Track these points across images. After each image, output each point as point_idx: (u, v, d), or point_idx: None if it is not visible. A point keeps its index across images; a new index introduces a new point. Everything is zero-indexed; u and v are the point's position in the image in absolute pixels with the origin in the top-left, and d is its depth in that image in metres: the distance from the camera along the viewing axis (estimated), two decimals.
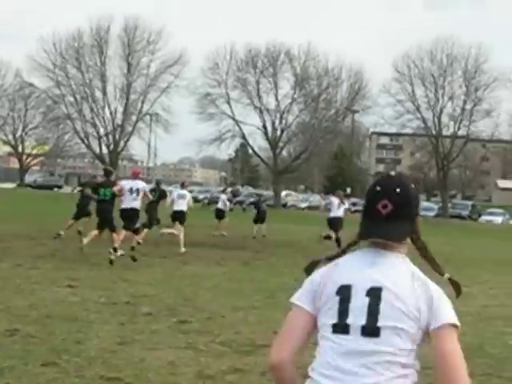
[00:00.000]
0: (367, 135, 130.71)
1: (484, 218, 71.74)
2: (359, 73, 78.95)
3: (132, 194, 17.45)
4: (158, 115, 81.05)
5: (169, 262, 17.03)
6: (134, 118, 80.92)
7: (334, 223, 24.26)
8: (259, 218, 30.27)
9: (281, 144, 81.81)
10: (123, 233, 17.21)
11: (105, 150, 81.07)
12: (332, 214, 24.73)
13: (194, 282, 13.59)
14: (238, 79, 78.96)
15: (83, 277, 13.26)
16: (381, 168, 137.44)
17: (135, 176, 18.72)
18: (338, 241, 23.63)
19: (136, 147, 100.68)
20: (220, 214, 30.08)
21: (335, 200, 25.32)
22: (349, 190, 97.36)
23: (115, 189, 17.32)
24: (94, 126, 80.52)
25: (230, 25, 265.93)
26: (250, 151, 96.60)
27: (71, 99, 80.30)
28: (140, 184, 18.05)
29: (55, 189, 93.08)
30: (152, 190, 21.85)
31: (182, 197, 22.40)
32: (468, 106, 75.88)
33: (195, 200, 75.87)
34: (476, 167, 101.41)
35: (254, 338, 8.70)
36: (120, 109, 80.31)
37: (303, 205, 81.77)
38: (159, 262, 17.06)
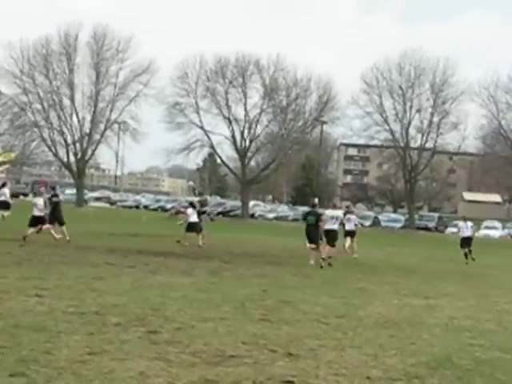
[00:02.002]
0: (335, 146, 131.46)
1: (450, 229, 72.20)
2: (328, 84, 79.37)
3: None
4: (127, 124, 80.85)
5: (137, 272, 16.95)
6: (102, 126, 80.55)
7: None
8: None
9: (249, 154, 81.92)
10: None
11: (72, 159, 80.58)
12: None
13: (163, 291, 13.53)
14: (208, 89, 79.02)
15: (51, 286, 13.16)
16: (348, 179, 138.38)
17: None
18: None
19: (104, 156, 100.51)
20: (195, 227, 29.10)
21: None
22: (316, 201, 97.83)
23: None
24: (62, 133, 79.99)
25: (200, 35, 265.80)
26: (219, 161, 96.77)
27: (38, 106, 79.75)
28: None
29: (21, 197, 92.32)
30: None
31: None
32: (435, 119, 76.69)
33: (163, 209, 76.11)
34: (443, 179, 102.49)
35: (223, 349, 8.69)
36: (88, 117, 79.92)
37: (271, 215, 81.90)
38: (127, 271, 16.98)
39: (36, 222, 25.06)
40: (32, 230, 24.47)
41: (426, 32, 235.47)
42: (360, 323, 11.40)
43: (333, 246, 23.75)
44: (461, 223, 32.72)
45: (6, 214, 33.06)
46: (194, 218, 29.13)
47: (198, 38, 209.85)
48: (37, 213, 25.28)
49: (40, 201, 25.83)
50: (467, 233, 31.15)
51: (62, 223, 26.07)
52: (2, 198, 34.40)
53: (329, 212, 24.90)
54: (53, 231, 25.27)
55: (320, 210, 25.60)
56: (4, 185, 35.20)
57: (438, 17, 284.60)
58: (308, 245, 23.88)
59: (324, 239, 23.77)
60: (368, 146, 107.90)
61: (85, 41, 79.14)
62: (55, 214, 26.30)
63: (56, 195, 27.52)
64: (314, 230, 23.81)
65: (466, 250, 30.40)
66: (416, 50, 75.77)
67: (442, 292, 17.10)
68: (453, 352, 9.44)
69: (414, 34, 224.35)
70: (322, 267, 21.88)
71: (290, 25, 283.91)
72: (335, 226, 23.96)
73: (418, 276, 21.55)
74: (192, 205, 30.78)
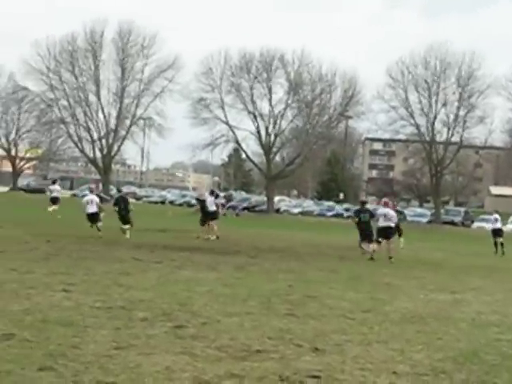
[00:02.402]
0: (360, 141, 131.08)
1: (476, 224, 71.71)
2: (353, 79, 79.08)
3: None
4: (152, 119, 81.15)
5: (163, 267, 17.01)
6: (127, 122, 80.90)
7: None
8: None
9: (274, 149, 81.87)
10: None
11: (98, 154, 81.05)
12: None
13: (189, 286, 13.57)
14: (232, 84, 79.02)
15: (78, 281, 13.24)
16: (374, 174, 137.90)
17: None
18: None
19: (129, 151, 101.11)
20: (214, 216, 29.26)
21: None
22: (342, 196, 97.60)
23: None
24: (88, 129, 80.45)
25: (225, 30, 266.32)
26: (244, 156, 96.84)
27: (65, 103, 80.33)
28: None
29: (48, 193, 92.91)
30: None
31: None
32: (461, 113, 76.15)
33: (188, 205, 76.28)
34: (469, 173, 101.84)
35: (249, 344, 8.70)
36: (114, 113, 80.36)
37: (296, 210, 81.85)
38: (154, 266, 17.05)
39: (95, 218, 26.81)
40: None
41: (452, 25, 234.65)
42: (386, 318, 11.37)
43: (379, 243, 23.81)
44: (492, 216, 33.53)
45: (52, 208, 35.65)
46: (212, 208, 29.22)
47: (223, 34, 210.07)
48: (93, 210, 26.88)
49: (96, 198, 27.63)
50: (496, 225, 32.13)
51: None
52: (54, 194, 37.65)
53: (381, 210, 24.72)
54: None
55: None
56: (55, 182, 37.61)
57: (463, 10, 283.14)
58: (362, 243, 25.29)
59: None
60: (393, 141, 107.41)
61: (110, 37, 79.67)
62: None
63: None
64: (369, 227, 25.21)
65: (498, 240, 31.94)
66: (441, 44, 75.35)
67: (468, 286, 17.01)
68: (480, 347, 9.40)
69: (440, 27, 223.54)
70: (372, 259, 22.99)
71: (315, 19, 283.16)
72: (388, 223, 23.89)
73: (445, 271, 21.44)
74: (212, 193, 30.82)
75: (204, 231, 29.16)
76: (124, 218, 26.48)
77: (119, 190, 34.41)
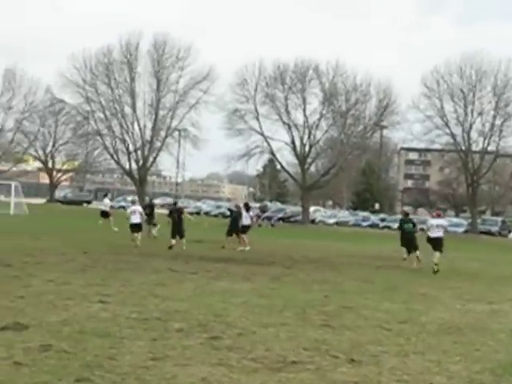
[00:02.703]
0: (396, 151, 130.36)
1: None
2: (388, 88, 78.67)
3: None
4: (187, 131, 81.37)
5: (199, 278, 17.07)
6: (162, 133, 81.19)
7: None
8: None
9: (309, 160, 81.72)
10: None
11: (134, 166, 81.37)
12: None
13: (224, 297, 13.60)
14: (267, 95, 79.05)
15: (114, 292, 13.33)
16: (409, 184, 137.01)
17: None
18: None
19: (165, 163, 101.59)
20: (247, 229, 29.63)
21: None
22: (377, 206, 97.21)
23: None
24: (124, 141, 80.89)
25: (259, 41, 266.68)
26: (279, 167, 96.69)
27: (101, 115, 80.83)
28: None
29: (84, 204, 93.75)
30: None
31: None
32: (498, 122, 75.37)
33: (223, 215, 76.42)
34: (506, 183, 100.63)
35: (285, 355, 8.69)
36: (149, 124, 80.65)
37: (331, 220, 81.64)
38: (189, 277, 17.11)
39: (138, 228, 28.05)
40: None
41: (487, 33, 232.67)
42: (423, 329, 11.30)
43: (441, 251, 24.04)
44: None
45: (101, 221, 36.49)
46: (247, 221, 29.61)
47: (257, 44, 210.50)
48: (136, 220, 28.11)
49: (140, 209, 29.32)
50: None
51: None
52: (103, 208, 38.42)
53: (434, 221, 24.93)
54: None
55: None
56: (106, 195, 38.46)
57: (499, 17, 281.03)
58: (405, 252, 25.96)
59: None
60: (429, 150, 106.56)
61: (145, 49, 79.99)
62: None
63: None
64: (412, 237, 25.64)
65: None
66: (477, 52, 74.72)
67: (505, 297, 16.83)
68: None
69: (475, 35, 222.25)
70: (437, 271, 22.96)
71: (349, 29, 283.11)
72: (440, 234, 24.23)
73: (481, 281, 21.25)
74: (247, 206, 31.14)
75: (230, 241, 29.57)
76: (178, 229, 27.23)
77: (151, 200, 38.38)
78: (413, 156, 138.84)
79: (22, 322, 9.71)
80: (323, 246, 36.18)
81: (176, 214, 27.75)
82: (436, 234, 24.09)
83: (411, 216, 31.37)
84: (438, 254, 23.64)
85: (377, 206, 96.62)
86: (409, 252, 25.74)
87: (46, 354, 8.06)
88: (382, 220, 76.71)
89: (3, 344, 8.42)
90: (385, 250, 29.07)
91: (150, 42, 79.45)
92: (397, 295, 15.89)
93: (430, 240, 24.11)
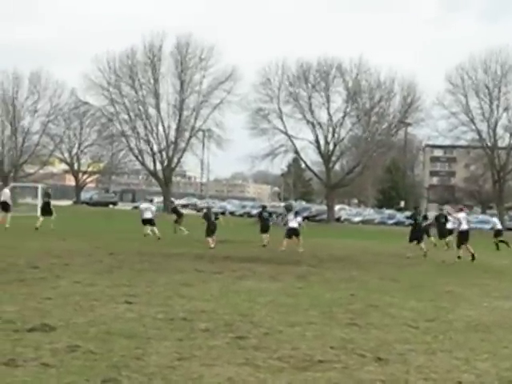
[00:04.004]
0: (420, 148, 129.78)
1: None
2: (412, 85, 78.38)
3: None
4: (211, 131, 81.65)
5: (224, 278, 17.07)
6: (187, 134, 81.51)
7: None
8: (264, 228, 31.07)
9: (333, 158, 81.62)
10: None
11: (159, 167, 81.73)
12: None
13: (250, 297, 13.59)
14: (290, 94, 79.05)
15: (140, 293, 13.36)
16: (435, 181, 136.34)
17: None
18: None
19: (189, 163, 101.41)
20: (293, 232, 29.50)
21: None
22: (403, 204, 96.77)
23: None
24: (148, 142, 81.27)
25: (282, 40, 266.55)
26: (303, 165, 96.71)
27: (125, 117, 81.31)
28: None
29: (110, 206, 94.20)
30: None
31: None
32: None
33: (249, 215, 76.44)
34: None
35: (312, 354, 8.66)
36: (173, 125, 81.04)
37: (357, 219, 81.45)
38: (215, 277, 17.12)
39: (149, 222, 32.48)
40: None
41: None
42: (450, 327, 11.23)
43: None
44: None
45: (149, 230, 33.52)
46: (293, 224, 29.67)
47: (280, 43, 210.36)
48: (148, 215, 32.75)
49: (152, 207, 34.41)
50: None
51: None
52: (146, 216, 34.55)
53: (463, 214, 28.33)
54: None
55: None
56: (151, 201, 38.24)
57: None
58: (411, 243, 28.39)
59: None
60: (454, 147, 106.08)
61: (169, 51, 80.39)
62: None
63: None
64: (422, 229, 29.29)
65: None
66: (502, 48, 74.28)
67: None
68: None
69: (500, 30, 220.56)
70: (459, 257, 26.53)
71: (372, 26, 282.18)
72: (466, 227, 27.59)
73: (508, 278, 21.09)
74: (288, 209, 32.02)
75: (264, 239, 30.48)
76: (212, 229, 28.55)
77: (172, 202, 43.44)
78: (438, 153, 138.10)
79: (50, 323, 9.76)
80: (349, 244, 36.09)
81: (212, 216, 29.39)
82: (466, 226, 27.14)
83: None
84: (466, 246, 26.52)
85: (402, 203, 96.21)
86: (418, 242, 28.19)
87: (73, 355, 8.09)
88: (408, 218, 76.32)
89: (31, 345, 8.47)
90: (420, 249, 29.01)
91: (173, 43, 79.99)
92: (423, 293, 15.80)
93: (464, 233, 27.10)
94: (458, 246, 27.64)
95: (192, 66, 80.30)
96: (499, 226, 39.15)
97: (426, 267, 23.28)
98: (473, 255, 26.70)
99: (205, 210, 31.47)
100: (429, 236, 34.21)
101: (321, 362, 8.29)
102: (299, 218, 30.99)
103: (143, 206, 35.12)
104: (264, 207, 34.38)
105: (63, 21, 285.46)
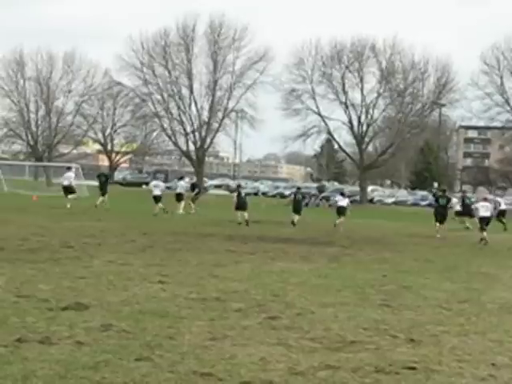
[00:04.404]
0: (454, 129, 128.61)
1: None
2: (446, 66, 77.60)
3: None
4: (244, 111, 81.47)
5: (257, 258, 17.11)
6: (220, 114, 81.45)
7: None
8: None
9: (367, 139, 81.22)
10: None
11: (192, 147, 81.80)
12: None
13: (283, 277, 13.62)
14: (324, 74, 78.67)
15: (173, 273, 13.43)
16: (469, 162, 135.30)
17: None
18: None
19: (222, 144, 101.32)
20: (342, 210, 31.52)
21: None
22: (436, 185, 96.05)
23: None
24: (181, 123, 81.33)
25: (315, 20, 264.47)
26: (336, 146, 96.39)
27: (158, 97, 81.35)
28: None
29: (144, 186, 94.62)
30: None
31: None
32: None
33: (281, 196, 76.34)
34: None
35: (344, 335, 8.67)
36: (206, 106, 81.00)
37: (390, 200, 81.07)
38: (247, 258, 17.16)
39: (158, 199, 33.99)
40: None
41: None
42: (483, 308, 11.17)
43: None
44: None
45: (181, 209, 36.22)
46: (342, 203, 31.92)
47: (313, 23, 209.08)
48: (157, 192, 34.54)
49: (162, 184, 37.40)
50: None
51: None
52: (178, 190, 38.08)
53: (480, 204, 28.28)
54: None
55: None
56: (182, 178, 40.46)
57: None
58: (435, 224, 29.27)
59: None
60: (489, 128, 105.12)
61: (202, 31, 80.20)
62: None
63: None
64: (445, 212, 29.91)
65: None
66: None
67: None
68: None
69: None
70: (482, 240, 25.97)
71: (406, 5, 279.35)
72: (488, 213, 27.53)
73: None
74: (320, 190, 33.68)
75: (295, 219, 31.13)
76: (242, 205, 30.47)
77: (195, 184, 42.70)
78: (472, 134, 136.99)
79: (83, 302, 9.84)
80: (382, 225, 35.99)
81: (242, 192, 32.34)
82: (484, 213, 27.23)
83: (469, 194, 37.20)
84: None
85: (435, 185, 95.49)
86: (441, 223, 29.05)
87: (107, 334, 8.16)
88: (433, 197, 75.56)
89: (65, 324, 8.55)
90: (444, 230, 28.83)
91: (207, 23, 79.75)
92: (456, 275, 15.72)
93: (485, 219, 26.98)
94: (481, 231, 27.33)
95: (225, 46, 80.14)
96: (504, 207, 38.60)
97: (460, 249, 23.16)
98: (481, 239, 26.27)
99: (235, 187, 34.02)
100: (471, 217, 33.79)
101: (353, 343, 8.29)
102: (347, 200, 32.98)
103: (153, 183, 39.01)
104: (299, 188, 35.04)
105: (97, 1, 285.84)
